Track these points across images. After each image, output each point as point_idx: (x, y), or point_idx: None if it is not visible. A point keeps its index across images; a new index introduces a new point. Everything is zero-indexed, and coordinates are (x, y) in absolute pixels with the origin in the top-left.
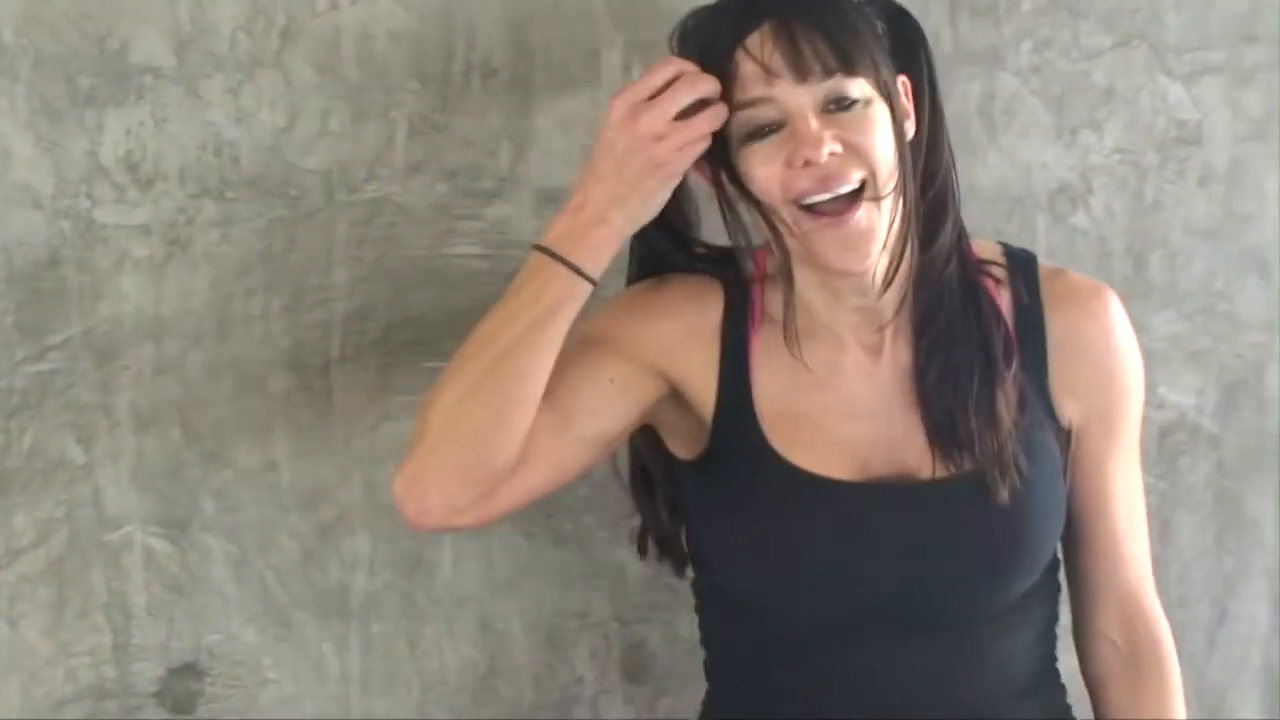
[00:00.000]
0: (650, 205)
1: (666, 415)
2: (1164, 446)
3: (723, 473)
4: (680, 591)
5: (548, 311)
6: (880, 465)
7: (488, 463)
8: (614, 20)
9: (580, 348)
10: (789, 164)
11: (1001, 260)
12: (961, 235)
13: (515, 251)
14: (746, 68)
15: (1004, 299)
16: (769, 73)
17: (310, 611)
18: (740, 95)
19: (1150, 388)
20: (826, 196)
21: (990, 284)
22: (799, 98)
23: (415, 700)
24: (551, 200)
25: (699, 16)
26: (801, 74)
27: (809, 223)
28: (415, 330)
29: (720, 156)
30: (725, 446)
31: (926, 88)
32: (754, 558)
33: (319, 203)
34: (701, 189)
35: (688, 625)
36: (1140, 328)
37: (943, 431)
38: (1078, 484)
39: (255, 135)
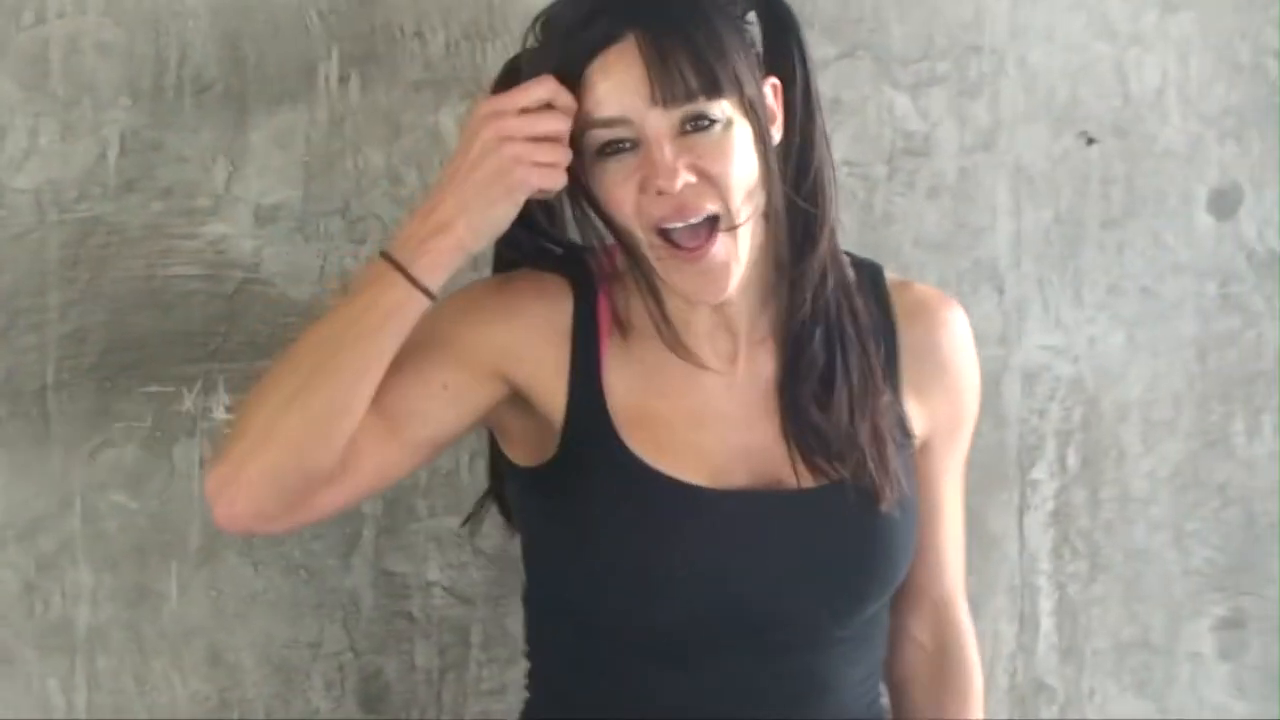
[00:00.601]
0: (493, 217)
1: (507, 420)
2: None
3: (574, 476)
4: (417, 620)
5: (378, 323)
6: (739, 474)
7: (303, 473)
8: (329, 32)
9: (414, 349)
10: (643, 188)
11: (849, 268)
12: (834, 240)
13: (234, 271)
14: (603, 85)
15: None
16: (626, 94)
17: (32, 646)
18: (594, 111)
19: None
20: (680, 225)
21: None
22: (656, 121)
23: None
24: (270, 219)
25: (559, 13)
26: (661, 98)
27: (665, 252)
28: (134, 353)
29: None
30: (577, 450)
31: (799, 84)
32: (602, 562)
33: (30, 222)
34: None
35: (425, 654)
36: None
37: (811, 442)
38: (918, 494)
39: None
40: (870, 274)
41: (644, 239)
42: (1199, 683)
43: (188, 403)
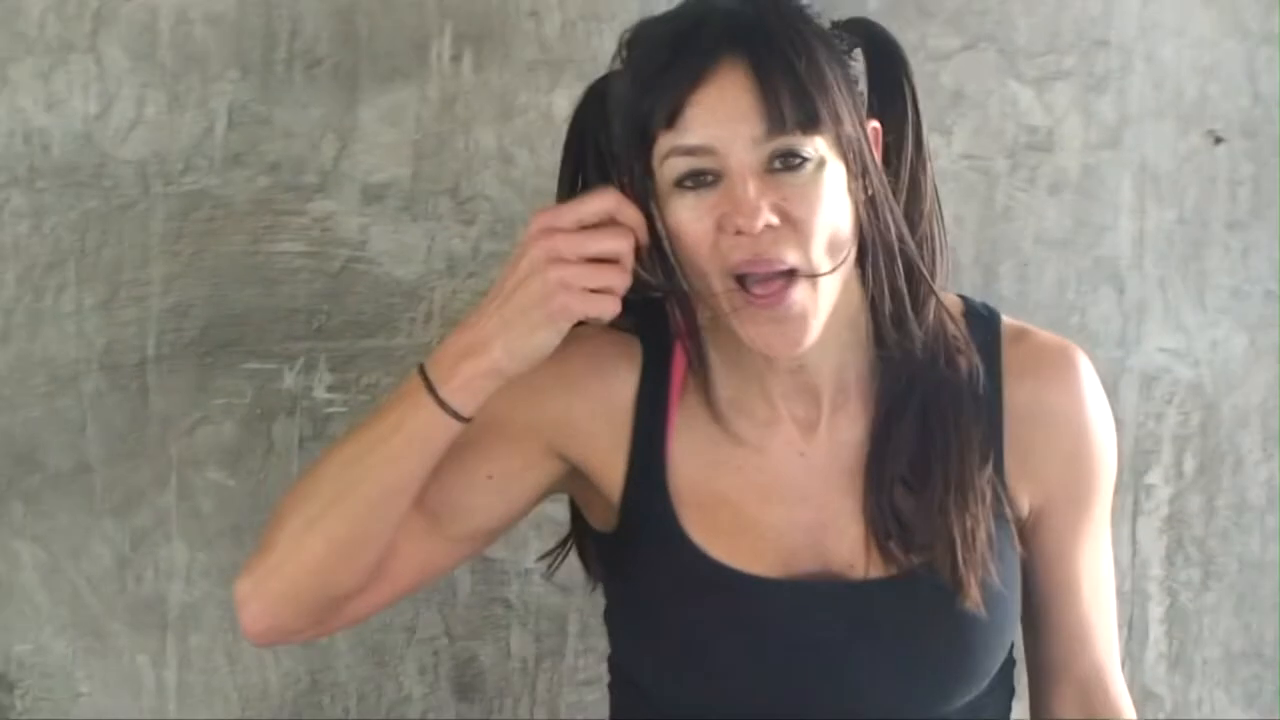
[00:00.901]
0: (533, 344)
1: (575, 490)
2: None
3: (632, 556)
4: (514, 607)
5: (403, 448)
6: (805, 557)
7: (327, 593)
8: (443, 9)
9: (459, 436)
10: (721, 227)
11: (960, 319)
12: (938, 304)
13: (339, 249)
14: (691, 110)
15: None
16: (716, 121)
17: (124, 622)
18: (678, 138)
19: None
20: (760, 274)
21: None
22: (743, 154)
23: (235, 715)
24: (377, 197)
25: (648, 31)
26: (755, 130)
27: (739, 298)
28: (234, 329)
29: (647, 190)
30: (634, 529)
31: (910, 132)
32: (660, 648)
33: (134, 194)
34: None
35: (519, 642)
36: None
37: (892, 529)
38: (1039, 568)
39: (67, 122)
40: (984, 325)
41: (719, 284)
42: None
43: (288, 380)
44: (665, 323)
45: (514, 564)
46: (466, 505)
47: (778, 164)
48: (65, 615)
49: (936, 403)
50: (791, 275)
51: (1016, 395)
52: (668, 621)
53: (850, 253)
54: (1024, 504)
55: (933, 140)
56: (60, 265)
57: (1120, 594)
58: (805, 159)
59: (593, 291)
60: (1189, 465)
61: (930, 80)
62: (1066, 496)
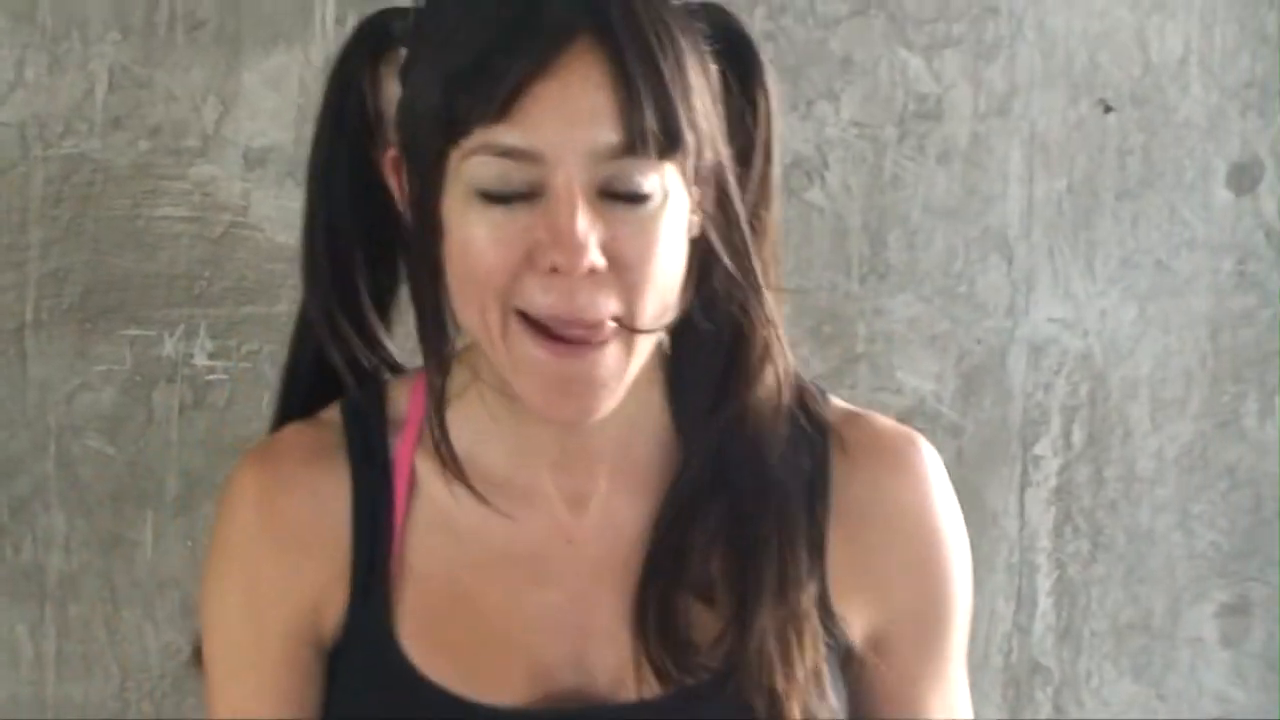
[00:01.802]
0: None
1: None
2: None
3: (347, 679)
4: None
5: None
6: (565, 676)
7: None
8: None
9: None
10: (530, 260)
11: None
12: (778, 370)
13: (221, 214)
14: (529, 104)
15: None
16: (555, 122)
17: (2, 592)
18: (498, 135)
19: (887, 372)
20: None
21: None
22: (578, 169)
23: (115, 686)
24: (260, 161)
25: None
26: (600, 140)
27: (526, 342)
28: (115, 295)
29: (431, 188)
30: (350, 645)
31: (759, 159)
32: None
33: (13, 158)
34: None
35: None
36: (878, 311)
37: (657, 637)
38: (874, 708)
39: None
40: (807, 402)
41: (497, 326)
42: (1199, 669)
43: (169, 347)
44: (379, 395)
45: None
46: None
47: (610, 193)
48: None
49: (755, 489)
50: (604, 328)
51: (848, 488)
52: None
53: (674, 310)
54: (855, 624)
55: (822, 108)
56: None
57: (1008, 566)
58: (647, 195)
59: None
60: (1077, 436)
61: (819, 47)
62: (913, 616)
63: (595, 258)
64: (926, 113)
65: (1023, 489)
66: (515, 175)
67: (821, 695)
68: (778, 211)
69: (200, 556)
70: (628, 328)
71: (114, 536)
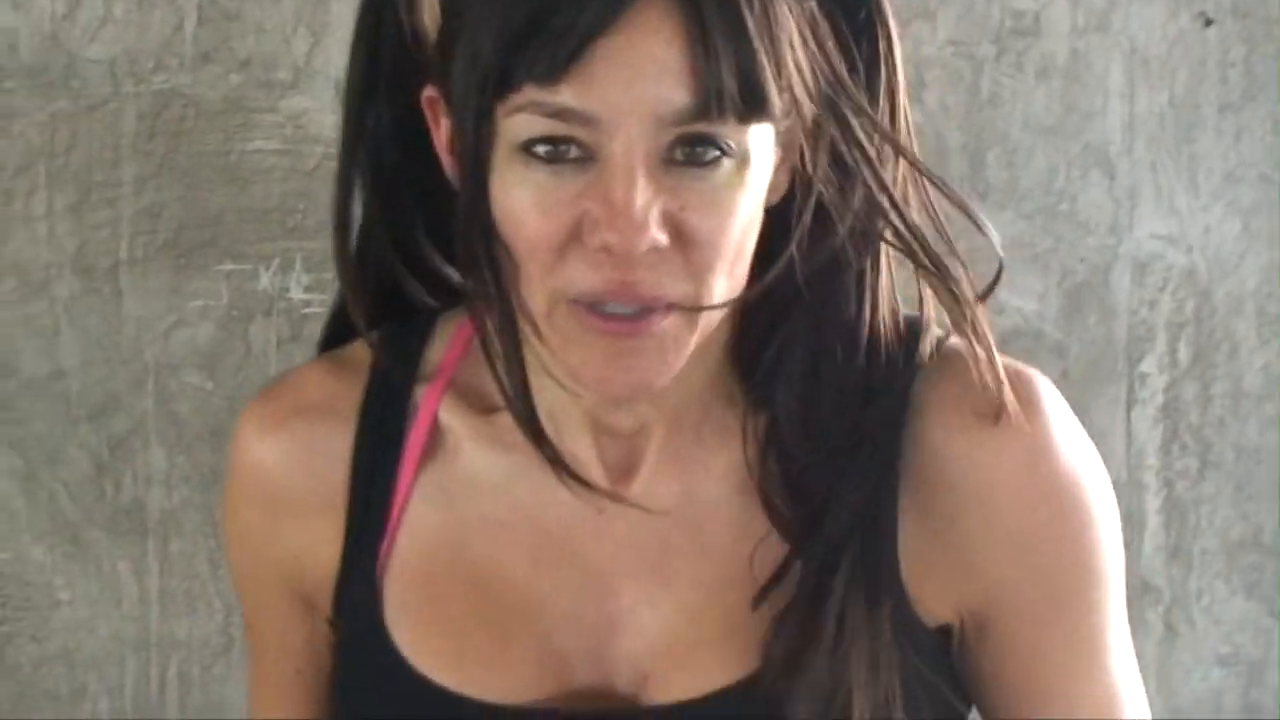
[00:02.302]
0: None
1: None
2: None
3: (341, 665)
4: None
5: None
6: (582, 670)
7: None
8: None
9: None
10: (579, 232)
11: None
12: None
13: (313, 146)
14: (594, 65)
15: None
16: (619, 82)
17: (104, 529)
18: (553, 95)
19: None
20: (618, 311)
21: None
22: (640, 135)
23: (219, 622)
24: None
25: None
26: (669, 105)
27: (574, 324)
28: (210, 230)
29: (482, 140)
30: (340, 621)
31: (884, 97)
32: None
33: (104, 94)
34: None
35: None
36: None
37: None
38: (1000, 697)
39: (34, 21)
40: (906, 344)
41: (543, 304)
42: None
43: (264, 281)
44: (417, 342)
45: None
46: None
47: (680, 155)
48: (44, 523)
49: (835, 473)
50: (667, 309)
51: (927, 442)
52: None
53: (743, 277)
54: (940, 609)
55: (917, 28)
56: (29, 168)
57: (1116, 485)
58: (725, 154)
59: None
60: (1183, 353)
61: None
62: (1030, 601)
63: (656, 235)
64: (1024, 29)
65: (1129, 407)
66: (566, 132)
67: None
68: (913, 152)
69: None
70: (691, 312)
71: (214, 471)
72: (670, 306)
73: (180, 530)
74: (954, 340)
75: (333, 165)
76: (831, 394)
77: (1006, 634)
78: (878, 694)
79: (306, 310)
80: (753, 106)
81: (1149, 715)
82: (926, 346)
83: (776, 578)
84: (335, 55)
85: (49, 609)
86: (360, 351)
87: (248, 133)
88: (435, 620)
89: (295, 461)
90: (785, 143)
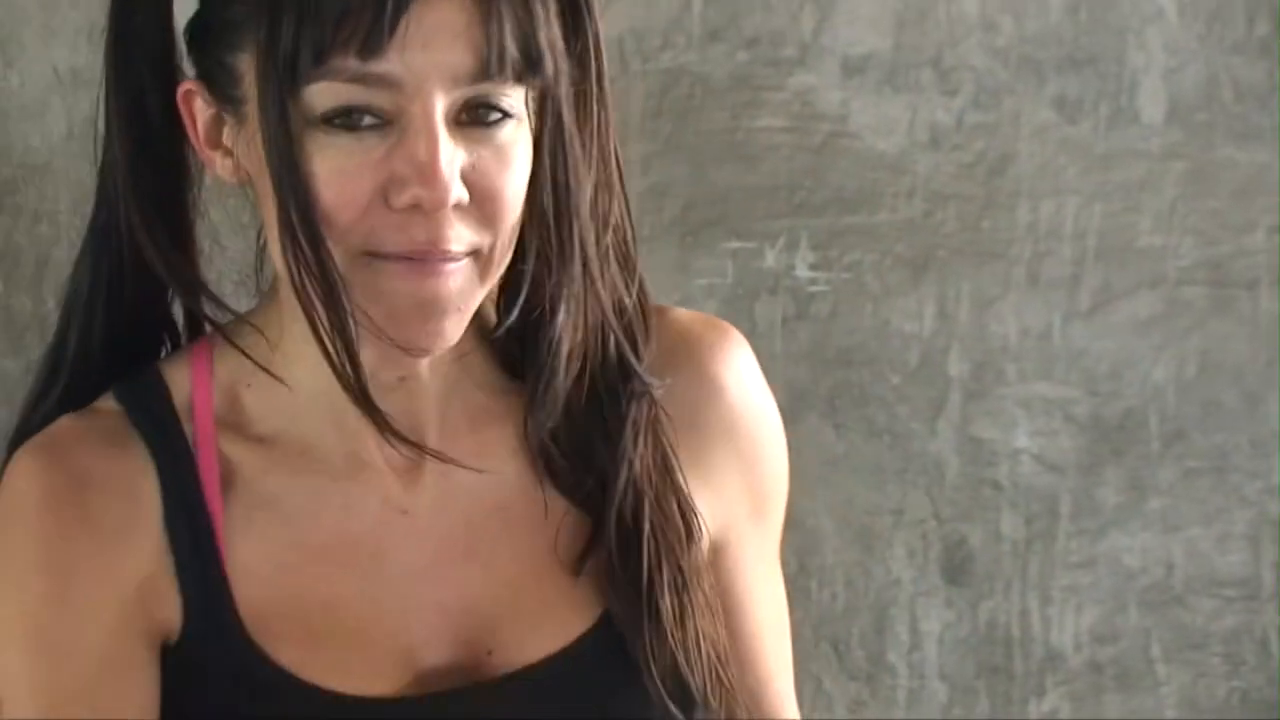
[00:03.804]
0: None
1: None
2: None
3: (203, 683)
4: (1003, 488)
5: None
6: (439, 654)
7: None
8: None
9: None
10: (386, 193)
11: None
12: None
13: (820, 124)
14: (400, 33)
15: None
16: (416, 47)
17: None
18: (344, 56)
19: None
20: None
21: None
22: (439, 97)
23: None
24: (858, 69)
25: None
26: (460, 66)
27: (378, 276)
28: (716, 207)
29: (274, 120)
30: (201, 650)
31: (592, 82)
32: None
33: (612, 72)
34: None
35: (1011, 523)
36: None
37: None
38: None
39: None
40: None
41: (343, 258)
42: None
43: (770, 259)
44: (162, 391)
45: (1004, 444)
46: None
47: (465, 117)
48: None
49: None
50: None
51: (671, 386)
52: None
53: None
54: (708, 530)
55: None
56: None
57: None
58: (506, 115)
59: None
60: None
61: None
62: (746, 512)
63: (459, 191)
64: None
65: None
66: (366, 101)
67: (721, 654)
68: (615, 139)
69: (805, 471)
70: (485, 259)
71: None
72: (473, 255)
73: None
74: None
75: (839, 142)
76: (583, 369)
77: (728, 546)
78: (709, 626)
79: (812, 288)
80: (530, 67)
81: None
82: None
83: (592, 541)
84: (843, 32)
85: None
86: (103, 405)
87: (755, 110)
88: (291, 631)
89: (113, 498)
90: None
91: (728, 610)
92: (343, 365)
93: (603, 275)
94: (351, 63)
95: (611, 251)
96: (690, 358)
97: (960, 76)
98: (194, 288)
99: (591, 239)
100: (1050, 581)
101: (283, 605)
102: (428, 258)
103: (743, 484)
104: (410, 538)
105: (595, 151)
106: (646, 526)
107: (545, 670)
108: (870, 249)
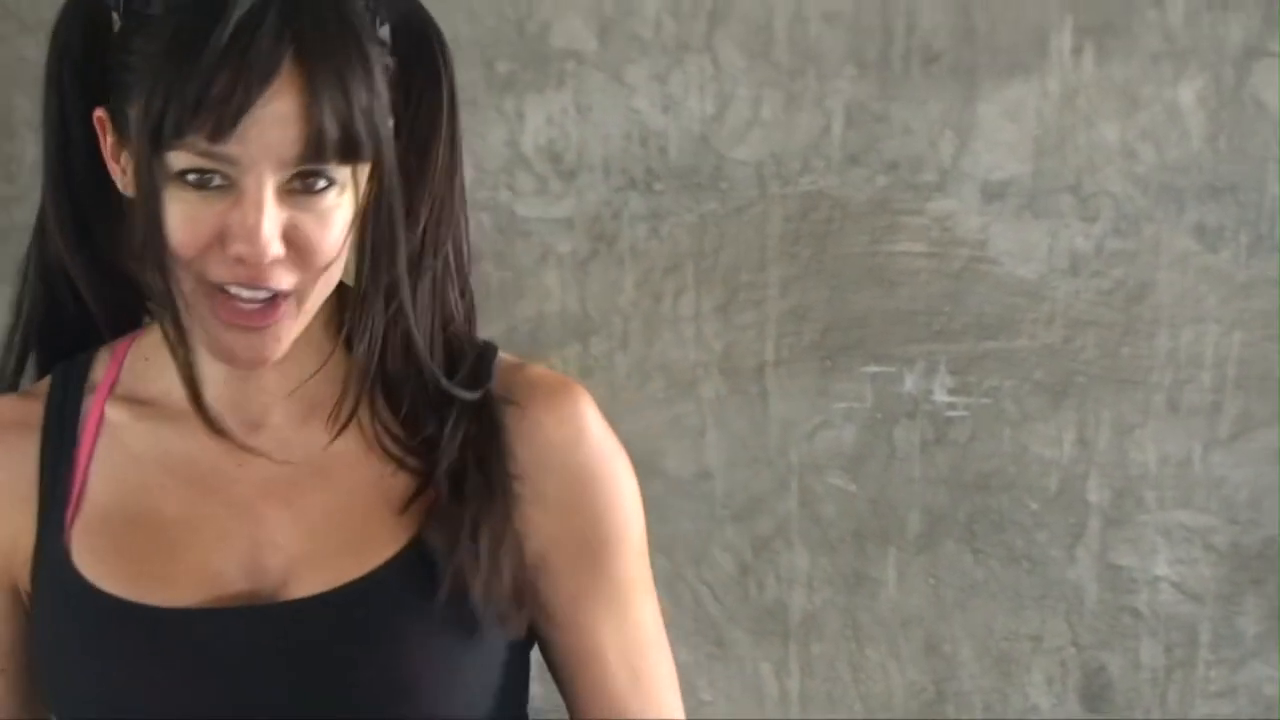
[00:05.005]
0: None
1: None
2: None
3: (38, 609)
4: (1143, 616)
5: None
6: (237, 581)
7: None
8: (1063, 1)
9: None
10: (221, 240)
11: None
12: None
13: (959, 249)
14: (243, 126)
15: None
16: (254, 138)
17: (746, 629)
18: (196, 137)
19: None
20: (247, 294)
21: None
22: (268, 175)
23: None
24: (998, 194)
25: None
26: (289, 153)
27: (210, 309)
28: (855, 332)
29: (149, 160)
30: (37, 573)
31: (442, 137)
32: (65, 701)
33: (751, 196)
34: None
35: (1150, 652)
36: None
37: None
38: (551, 634)
39: (683, 124)
40: (478, 356)
41: (187, 282)
42: None
43: (909, 383)
44: (79, 368)
45: (1143, 572)
46: None
47: (296, 184)
48: (687, 623)
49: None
50: (282, 295)
51: (517, 428)
52: (67, 671)
53: (338, 271)
54: (527, 547)
55: None
56: (678, 269)
57: None
58: (330, 183)
59: None
60: None
61: None
62: (572, 553)
63: (276, 250)
64: None
65: None
66: (212, 167)
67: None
68: (461, 184)
69: (943, 597)
70: (300, 294)
71: (856, 574)
72: (285, 295)
73: (822, 633)
74: (511, 357)
75: (978, 267)
76: (415, 365)
77: (553, 580)
78: (510, 566)
79: (950, 414)
80: (349, 152)
81: (670, 664)
82: (496, 355)
83: (421, 487)
84: (983, 157)
85: (692, 708)
86: (41, 386)
87: (894, 234)
88: (114, 552)
89: None
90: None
91: (579, 654)
92: (183, 369)
93: (434, 292)
94: (202, 143)
95: (449, 269)
96: (533, 401)
97: (1100, 203)
98: (99, 289)
99: (404, 274)
100: (1190, 710)
101: (113, 528)
102: (250, 291)
103: (563, 521)
104: (241, 483)
105: (436, 190)
106: (470, 481)
107: (329, 597)
108: (1009, 374)
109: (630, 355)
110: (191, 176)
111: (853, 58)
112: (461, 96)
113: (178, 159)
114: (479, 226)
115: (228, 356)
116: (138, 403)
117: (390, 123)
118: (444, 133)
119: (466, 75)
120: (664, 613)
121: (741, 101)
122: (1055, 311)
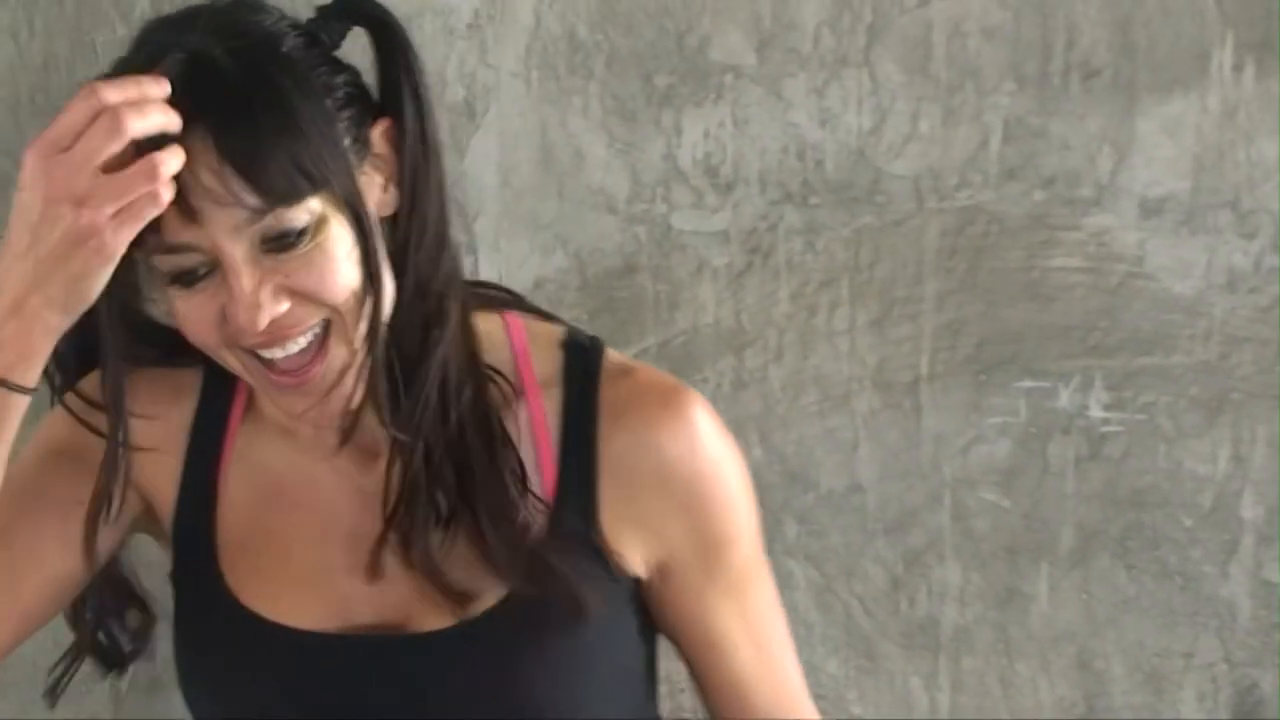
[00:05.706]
0: (83, 291)
1: (152, 529)
2: None
3: (180, 601)
4: None
5: None
6: (364, 610)
7: None
8: (1225, 17)
9: (36, 466)
10: (226, 316)
11: (556, 354)
12: (462, 332)
13: (1116, 264)
14: (186, 225)
15: (549, 407)
16: (190, 217)
17: (897, 643)
18: (153, 235)
19: None
20: (281, 354)
21: (532, 389)
22: (229, 244)
23: None
24: (1156, 210)
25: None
26: (234, 218)
27: (259, 373)
28: (1010, 347)
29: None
30: (182, 573)
31: (415, 129)
32: (200, 706)
33: (908, 210)
34: None
35: None
36: None
37: (427, 570)
38: (681, 628)
39: (840, 138)
40: (582, 357)
41: (233, 359)
42: None
43: (1064, 399)
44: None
45: None
46: (56, 541)
47: (271, 245)
48: (837, 636)
49: (465, 447)
50: (323, 338)
51: (613, 442)
52: (206, 676)
53: (372, 303)
54: (637, 560)
55: None
56: (834, 283)
57: None
58: (301, 230)
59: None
60: None
61: None
62: (691, 553)
63: (274, 308)
64: None
65: None
66: (190, 261)
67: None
68: (439, 179)
69: (1095, 612)
70: (339, 323)
71: (1008, 589)
72: (321, 336)
73: (973, 648)
74: (620, 357)
75: (1135, 283)
76: (446, 386)
77: (677, 579)
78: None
79: (1105, 429)
80: (293, 196)
81: (790, 643)
82: (607, 354)
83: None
84: (1141, 173)
85: None
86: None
87: (1050, 250)
88: (253, 560)
89: (148, 404)
90: (376, 167)
91: (703, 644)
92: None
93: (440, 310)
94: (164, 245)
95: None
96: (637, 417)
97: (1259, 220)
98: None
99: (377, 319)
100: None
101: (247, 534)
102: (283, 343)
103: (683, 528)
104: (357, 513)
105: (429, 206)
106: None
107: (451, 635)
108: (1165, 390)
109: (784, 368)
110: (176, 279)
111: (1012, 72)
112: (620, 109)
113: (159, 263)
114: (635, 238)
115: (286, 416)
116: (264, 417)
117: (345, 142)
118: (415, 126)
119: (625, 88)
120: (814, 625)
121: (899, 116)
122: (1212, 328)
